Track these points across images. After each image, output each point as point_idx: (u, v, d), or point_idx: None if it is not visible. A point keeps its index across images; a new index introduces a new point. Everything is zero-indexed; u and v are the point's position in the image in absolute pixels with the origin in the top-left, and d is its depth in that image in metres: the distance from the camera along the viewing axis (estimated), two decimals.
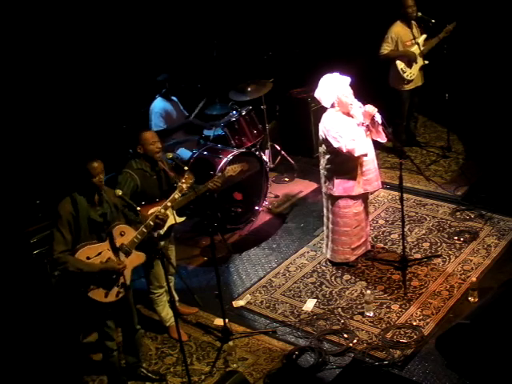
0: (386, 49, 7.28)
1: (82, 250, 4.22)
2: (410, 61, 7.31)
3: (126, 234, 4.38)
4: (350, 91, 5.47)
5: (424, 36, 7.32)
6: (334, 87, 5.46)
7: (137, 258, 4.50)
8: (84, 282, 4.24)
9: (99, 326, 4.55)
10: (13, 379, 5.00)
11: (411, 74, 7.34)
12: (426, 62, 7.37)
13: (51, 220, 4.42)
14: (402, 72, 7.31)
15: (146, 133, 4.94)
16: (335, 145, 5.39)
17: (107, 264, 4.28)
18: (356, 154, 5.37)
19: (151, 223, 4.52)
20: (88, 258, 4.23)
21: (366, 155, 5.45)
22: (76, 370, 5.11)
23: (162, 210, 4.62)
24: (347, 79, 5.50)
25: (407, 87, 7.42)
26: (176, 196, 4.73)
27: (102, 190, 4.36)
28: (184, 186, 4.76)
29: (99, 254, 4.27)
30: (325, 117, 5.55)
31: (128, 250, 4.40)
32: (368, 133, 5.54)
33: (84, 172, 4.23)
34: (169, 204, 4.69)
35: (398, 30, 7.26)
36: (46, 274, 5.16)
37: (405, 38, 7.26)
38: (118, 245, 4.35)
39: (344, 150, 5.35)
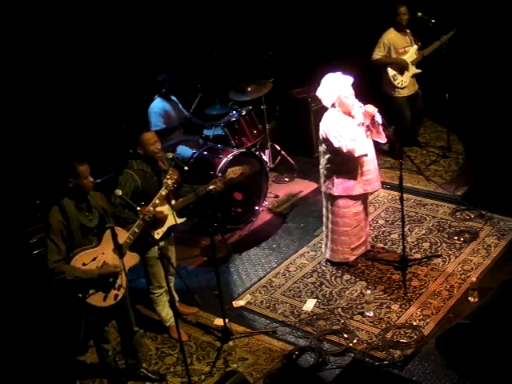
0: (378, 54, 7.31)
1: (78, 256, 4.18)
2: (401, 68, 7.32)
3: (119, 236, 4.36)
4: (352, 92, 5.46)
5: (416, 47, 7.30)
6: (335, 87, 5.46)
7: (131, 258, 4.49)
8: (82, 288, 4.20)
9: (96, 330, 4.54)
10: (12, 381, 5.00)
11: (403, 81, 7.36)
12: (419, 70, 7.37)
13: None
14: (393, 79, 7.34)
15: (146, 134, 4.93)
16: (336, 144, 5.39)
17: (104, 269, 4.25)
18: (356, 155, 5.37)
19: (141, 222, 4.49)
20: (84, 265, 4.19)
21: (366, 155, 5.45)
22: (76, 371, 5.11)
23: (151, 209, 4.60)
24: (349, 79, 5.49)
25: (401, 93, 7.42)
26: (163, 193, 4.71)
27: (89, 195, 4.31)
28: (169, 181, 4.73)
29: (94, 259, 4.24)
30: (326, 116, 5.55)
31: (122, 251, 4.38)
32: (368, 133, 5.55)
33: (74, 175, 4.17)
34: (157, 201, 4.67)
35: (391, 36, 7.28)
36: (46, 274, 5.14)
37: (398, 44, 7.28)
38: (111, 247, 4.33)
39: (344, 150, 5.35)
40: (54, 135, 6.56)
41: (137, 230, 4.46)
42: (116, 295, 4.37)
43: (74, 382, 5.04)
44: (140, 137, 4.87)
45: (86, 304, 4.25)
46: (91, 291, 4.23)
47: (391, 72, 7.31)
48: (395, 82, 7.34)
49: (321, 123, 5.56)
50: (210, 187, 5.15)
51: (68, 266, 4.14)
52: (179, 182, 4.93)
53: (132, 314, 4.74)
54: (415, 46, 7.33)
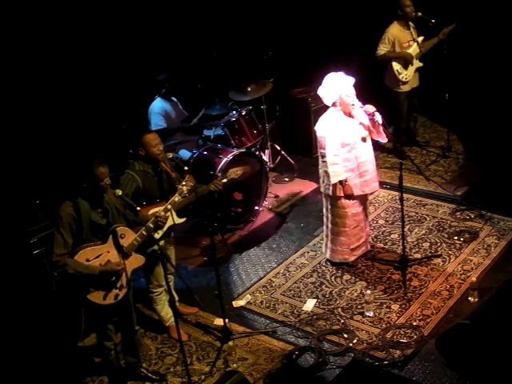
0: (383, 50, 7.28)
1: (82, 252, 4.20)
2: (406, 62, 7.31)
3: (126, 237, 4.37)
4: (353, 92, 5.47)
5: (421, 38, 7.31)
6: (337, 86, 5.46)
7: (136, 260, 4.49)
8: (83, 284, 4.22)
9: (99, 327, 4.55)
10: (12, 380, 5.00)
11: (407, 75, 7.34)
12: (421, 64, 7.36)
13: (51, 220, 4.38)
14: (397, 73, 7.31)
15: (148, 135, 4.91)
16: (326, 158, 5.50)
17: (107, 266, 4.26)
18: (332, 181, 5.49)
19: (151, 225, 4.50)
20: (87, 260, 4.21)
21: (346, 181, 5.54)
22: (76, 371, 5.11)
23: (162, 213, 4.59)
24: (351, 79, 5.50)
25: (404, 88, 7.41)
26: (176, 199, 4.71)
27: (105, 193, 4.35)
28: (184, 188, 4.73)
29: (98, 256, 4.25)
30: (324, 118, 5.54)
31: (127, 252, 4.39)
32: (368, 133, 5.55)
33: (92, 177, 4.20)
34: (169, 207, 4.67)
35: (395, 31, 7.26)
36: (46, 274, 5.15)
37: (402, 39, 7.26)
38: (117, 247, 4.34)
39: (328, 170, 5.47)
40: (55, 135, 6.57)
41: (145, 233, 4.45)
42: (117, 295, 4.38)
43: (74, 381, 5.05)
44: (142, 138, 4.86)
45: (86, 300, 4.26)
46: (91, 289, 4.24)
47: (396, 66, 7.28)
48: (400, 77, 7.31)
49: (318, 125, 5.56)
50: (211, 187, 5.15)
51: (71, 260, 4.16)
52: (193, 189, 4.93)
53: (134, 314, 4.75)
54: (420, 39, 7.30)
